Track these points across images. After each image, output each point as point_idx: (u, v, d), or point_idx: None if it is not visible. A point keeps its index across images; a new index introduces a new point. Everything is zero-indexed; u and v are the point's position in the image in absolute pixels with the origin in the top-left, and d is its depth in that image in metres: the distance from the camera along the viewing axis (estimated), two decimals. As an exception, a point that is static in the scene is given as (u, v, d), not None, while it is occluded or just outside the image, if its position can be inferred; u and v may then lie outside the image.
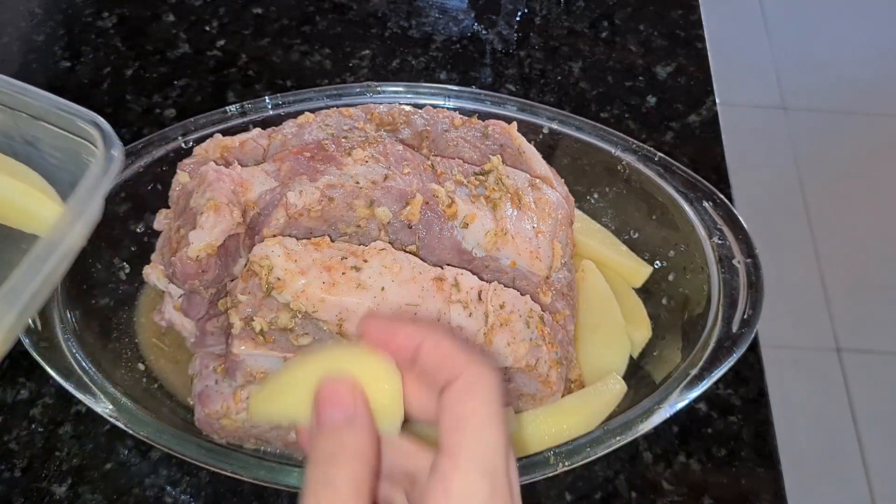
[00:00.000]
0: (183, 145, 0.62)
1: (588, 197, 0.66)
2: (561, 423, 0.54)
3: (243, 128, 0.63)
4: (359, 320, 0.40)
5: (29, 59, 0.81)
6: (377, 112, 0.60)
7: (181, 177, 0.55)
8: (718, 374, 0.54)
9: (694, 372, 0.54)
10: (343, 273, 0.47)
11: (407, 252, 0.50)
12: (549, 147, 0.65)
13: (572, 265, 0.59)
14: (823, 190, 1.81)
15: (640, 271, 0.63)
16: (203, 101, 0.78)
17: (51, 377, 0.52)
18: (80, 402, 0.53)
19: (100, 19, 0.85)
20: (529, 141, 0.61)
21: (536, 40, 0.85)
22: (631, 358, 0.60)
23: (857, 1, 2.19)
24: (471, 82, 0.81)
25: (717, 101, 0.82)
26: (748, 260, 0.59)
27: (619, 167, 0.64)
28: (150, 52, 0.82)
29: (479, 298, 0.49)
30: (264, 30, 0.85)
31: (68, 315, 0.55)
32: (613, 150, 0.64)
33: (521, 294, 0.51)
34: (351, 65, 0.82)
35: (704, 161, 0.76)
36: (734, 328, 0.56)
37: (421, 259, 0.50)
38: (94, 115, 0.54)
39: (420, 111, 0.60)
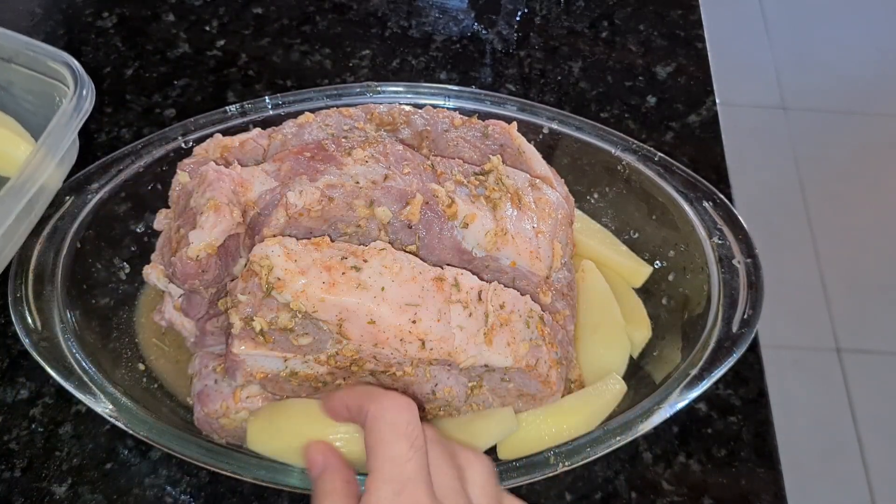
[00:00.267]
0: (183, 145, 0.62)
1: (588, 197, 0.66)
2: (561, 423, 0.54)
3: (243, 128, 0.63)
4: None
5: (29, 58, 0.81)
6: (377, 112, 0.60)
7: (181, 177, 0.55)
8: (718, 374, 0.54)
9: (694, 372, 0.54)
10: (343, 273, 0.47)
11: (407, 252, 0.50)
12: (549, 147, 0.65)
13: (572, 265, 0.59)
14: (823, 190, 1.81)
15: (640, 271, 0.63)
16: (203, 100, 0.78)
17: (51, 377, 0.52)
18: (80, 402, 0.53)
19: (100, 19, 0.85)
20: (529, 141, 0.61)
21: (536, 40, 0.85)
22: (631, 358, 0.60)
23: (857, 1, 2.19)
24: (471, 82, 0.81)
25: (717, 101, 0.82)
26: (748, 260, 0.59)
27: (619, 167, 0.64)
28: (150, 51, 0.82)
29: (479, 298, 0.49)
30: (264, 30, 0.85)
31: (68, 315, 0.55)
32: (613, 150, 0.64)
33: (521, 294, 0.51)
34: (351, 65, 0.82)
35: (704, 161, 0.76)
36: (734, 328, 0.56)
37: (421, 259, 0.50)
38: (65, 54, 0.54)
39: (420, 111, 0.60)
